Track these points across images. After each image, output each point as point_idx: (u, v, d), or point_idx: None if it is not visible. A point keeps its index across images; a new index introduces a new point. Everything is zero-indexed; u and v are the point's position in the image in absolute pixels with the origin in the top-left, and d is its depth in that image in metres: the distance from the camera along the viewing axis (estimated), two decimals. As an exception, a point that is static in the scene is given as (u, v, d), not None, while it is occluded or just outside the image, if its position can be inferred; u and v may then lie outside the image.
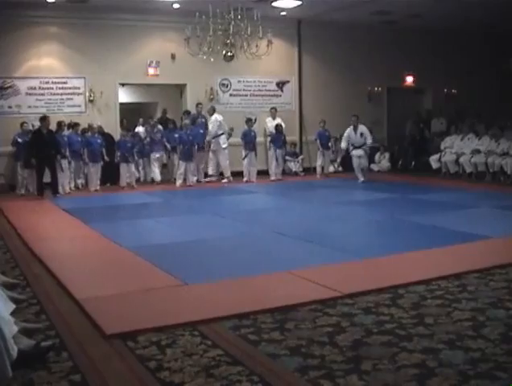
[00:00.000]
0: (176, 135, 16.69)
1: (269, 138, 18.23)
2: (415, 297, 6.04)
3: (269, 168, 18.08)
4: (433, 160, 18.35)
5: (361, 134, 16.84)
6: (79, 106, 16.76)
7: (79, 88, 16.73)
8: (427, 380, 4.12)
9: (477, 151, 17.05)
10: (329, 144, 18.62)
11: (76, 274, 7.30)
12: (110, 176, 16.39)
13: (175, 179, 16.67)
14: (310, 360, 4.53)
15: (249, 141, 17.20)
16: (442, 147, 18.28)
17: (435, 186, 14.91)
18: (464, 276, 6.77)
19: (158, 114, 19.22)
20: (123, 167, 15.93)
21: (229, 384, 4.14)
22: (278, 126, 17.84)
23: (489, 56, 20.61)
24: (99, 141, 15.85)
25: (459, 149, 17.68)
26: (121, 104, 17.87)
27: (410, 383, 4.08)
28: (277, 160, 17.77)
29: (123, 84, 18.15)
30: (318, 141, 18.50)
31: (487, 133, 17.35)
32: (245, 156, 17.16)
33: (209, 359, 4.58)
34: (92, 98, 16.76)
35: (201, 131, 17.02)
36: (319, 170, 18.54)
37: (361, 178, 16.72)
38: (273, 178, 17.61)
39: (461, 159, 17.40)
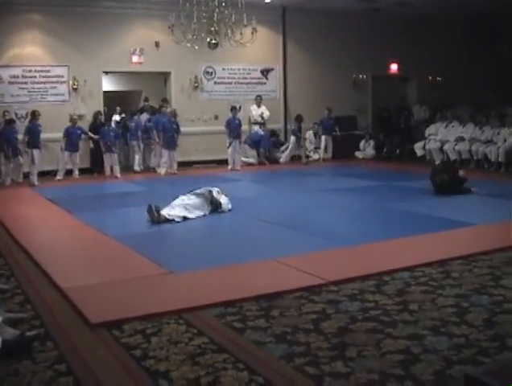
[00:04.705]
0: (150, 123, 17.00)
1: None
2: (400, 284, 6.07)
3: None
4: (418, 148, 18.41)
5: None
6: (62, 95, 16.65)
7: (62, 77, 16.60)
8: (412, 366, 4.16)
9: (461, 139, 17.12)
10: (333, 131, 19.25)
11: (61, 263, 7.28)
12: (97, 165, 16.39)
13: (153, 168, 16.73)
14: (295, 347, 4.55)
15: (233, 129, 17.19)
16: (426, 134, 18.35)
17: (419, 174, 14.92)
18: (449, 262, 6.82)
19: (142, 102, 19.11)
20: (106, 157, 15.92)
21: (214, 372, 4.15)
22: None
23: (474, 44, 20.63)
24: (78, 131, 15.86)
25: (443, 136, 17.75)
26: (105, 92, 17.77)
27: (394, 370, 4.11)
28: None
29: (107, 72, 18.02)
30: (321, 127, 19.02)
31: (471, 121, 17.42)
32: (230, 144, 17.16)
33: (195, 347, 4.59)
34: (75, 86, 16.64)
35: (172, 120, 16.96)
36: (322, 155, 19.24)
37: None
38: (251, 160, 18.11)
39: (445, 147, 17.47)
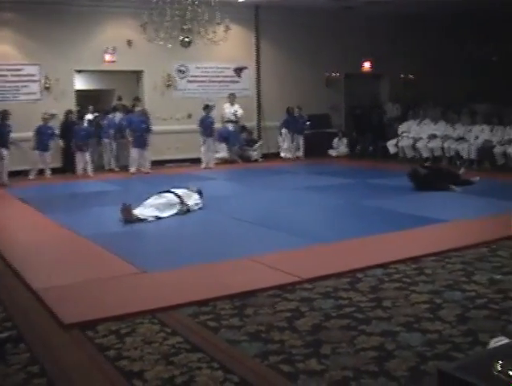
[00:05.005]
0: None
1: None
2: (373, 281, 6.09)
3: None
4: (390, 145, 18.50)
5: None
6: (34, 94, 16.50)
7: (34, 76, 16.45)
8: (386, 362, 4.18)
9: (434, 136, 17.24)
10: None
11: (33, 264, 7.23)
12: (69, 165, 16.28)
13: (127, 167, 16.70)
14: (270, 345, 4.55)
15: (206, 127, 17.15)
16: (399, 132, 18.45)
17: (392, 171, 15.02)
18: (422, 259, 6.86)
19: (115, 101, 19.00)
20: (78, 156, 15.82)
21: (189, 371, 4.14)
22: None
23: (446, 42, 20.77)
24: (49, 131, 15.72)
25: (416, 134, 17.85)
26: (78, 91, 17.65)
27: (369, 366, 4.13)
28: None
29: (79, 71, 17.90)
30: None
31: (443, 118, 17.55)
32: (203, 142, 17.12)
33: (169, 347, 4.58)
34: (47, 85, 16.51)
35: (141, 119, 16.85)
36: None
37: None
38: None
39: (418, 144, 17.57)
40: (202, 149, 17.17)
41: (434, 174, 12.03)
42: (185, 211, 9.99)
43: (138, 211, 9.44)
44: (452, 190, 11.75)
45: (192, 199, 10.23)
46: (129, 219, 9.29)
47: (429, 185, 11.65)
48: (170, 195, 9.96)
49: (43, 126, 15.58)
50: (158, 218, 9.51)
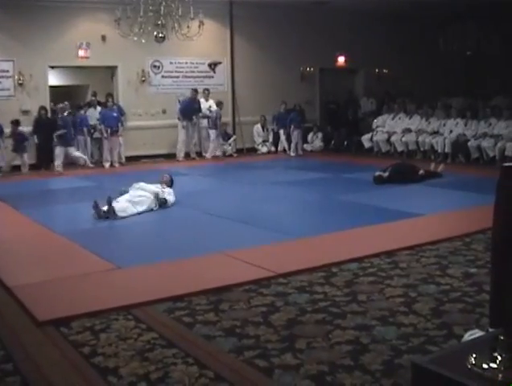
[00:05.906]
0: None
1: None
2: (348, 275, 6.11)
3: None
4: (365, 139, 18.57)
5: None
6: (8, 90, 16.33)
7: (7, 72, 16.27)
8: (361, 356, 4.19)
9: (408, 130, 17.34)
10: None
11: (7, 261, 7.17)
12: (44, 161, 16.10)
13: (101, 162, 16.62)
14: (245, 340, 4.55)
15: (213, 120, 17.72)
16: (374, 126, 18.52)
17: (367, 165, 15.06)
18: (396, 253, 6.90)
19: (90, 97, 18.87)
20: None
21: (164, 367, 4.13)
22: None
23: (419, 37, 20.87)
24: None
25: (390, 128, 17.95)
26: (52, 87, 17.51)
27: (344, 360, 4.14)
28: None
29: (53, 67, 17.76)
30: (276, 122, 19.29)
31: (417, 113, 17.66)
32: (208, 136, 17.46)
33: (144, 343, 4.56)
34: (21, 81, 16.34)
35: (114, 114, 16.75)
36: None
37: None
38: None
39: (393, 138, 17.67)
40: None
41: (396, 171, 12.18)
42: (163, 202, 9.95)
43: (118, 207, 9.34)
44: (420, 176, 12.15)
45: (166, 193, 10.18)
46: (102, 215, 9.22)
47: (396, 181, 11.83)
48: (145, 193, 9.88)
49: None
50: (131, 214, 9.44)
